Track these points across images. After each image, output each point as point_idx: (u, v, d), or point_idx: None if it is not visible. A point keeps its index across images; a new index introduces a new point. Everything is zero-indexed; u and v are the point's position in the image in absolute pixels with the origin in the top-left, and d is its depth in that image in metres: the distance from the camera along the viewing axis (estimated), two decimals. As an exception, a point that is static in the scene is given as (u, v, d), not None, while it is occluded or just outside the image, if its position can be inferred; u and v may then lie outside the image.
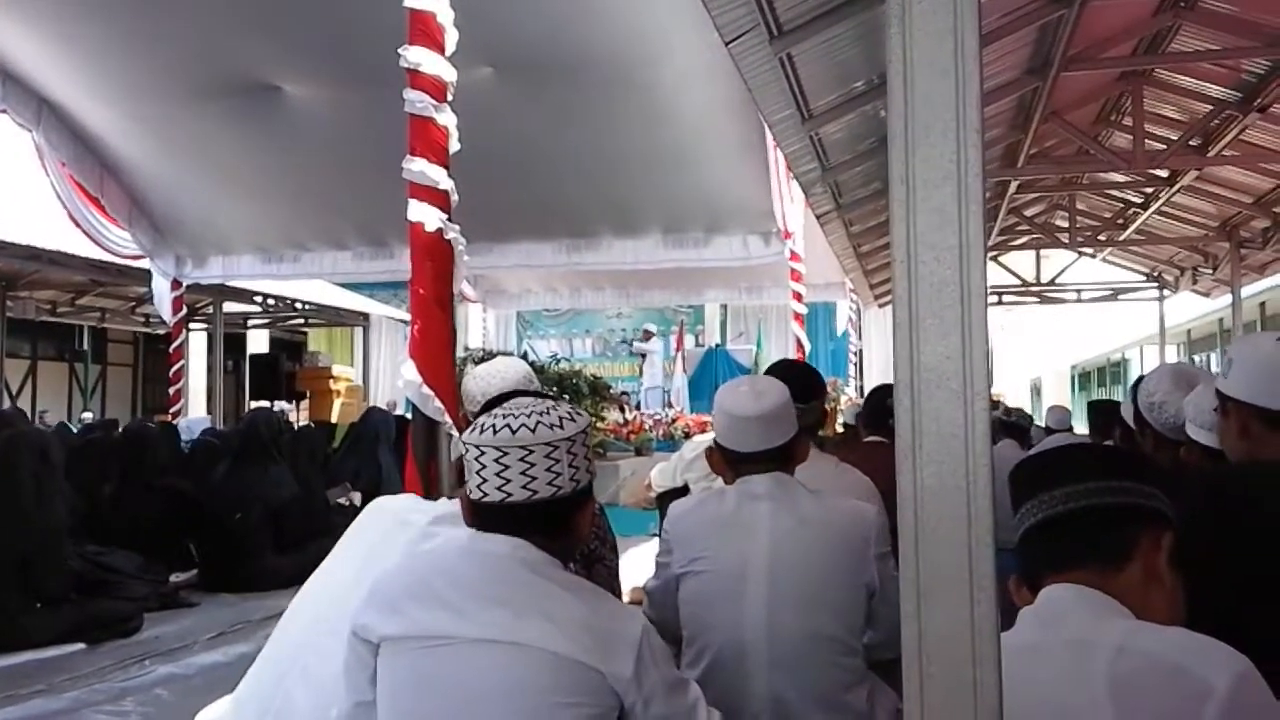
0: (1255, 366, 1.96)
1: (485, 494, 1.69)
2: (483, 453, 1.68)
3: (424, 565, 1.75)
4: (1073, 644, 1.23)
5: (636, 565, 5.95)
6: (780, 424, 2.40)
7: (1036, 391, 32.47)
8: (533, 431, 1.67)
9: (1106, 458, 1.53)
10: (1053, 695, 1.20)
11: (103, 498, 6.63)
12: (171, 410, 9.75)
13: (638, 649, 1.62)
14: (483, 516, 1.72)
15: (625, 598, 2.86)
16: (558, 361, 12.39)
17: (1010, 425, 7.13)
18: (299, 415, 14.79)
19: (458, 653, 1.61)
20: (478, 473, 1.69)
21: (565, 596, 1.65)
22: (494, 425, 1.69)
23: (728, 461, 2.46)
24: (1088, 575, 1.33)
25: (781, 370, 3.23)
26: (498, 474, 1.67)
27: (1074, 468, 1.43)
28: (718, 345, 16.68)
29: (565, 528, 1.73)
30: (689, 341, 16.74)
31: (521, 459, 1.66)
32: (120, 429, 8.39)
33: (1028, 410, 12.56)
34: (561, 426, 1.70)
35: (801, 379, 3.04)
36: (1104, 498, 1.38)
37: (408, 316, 3.66)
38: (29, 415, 15.17)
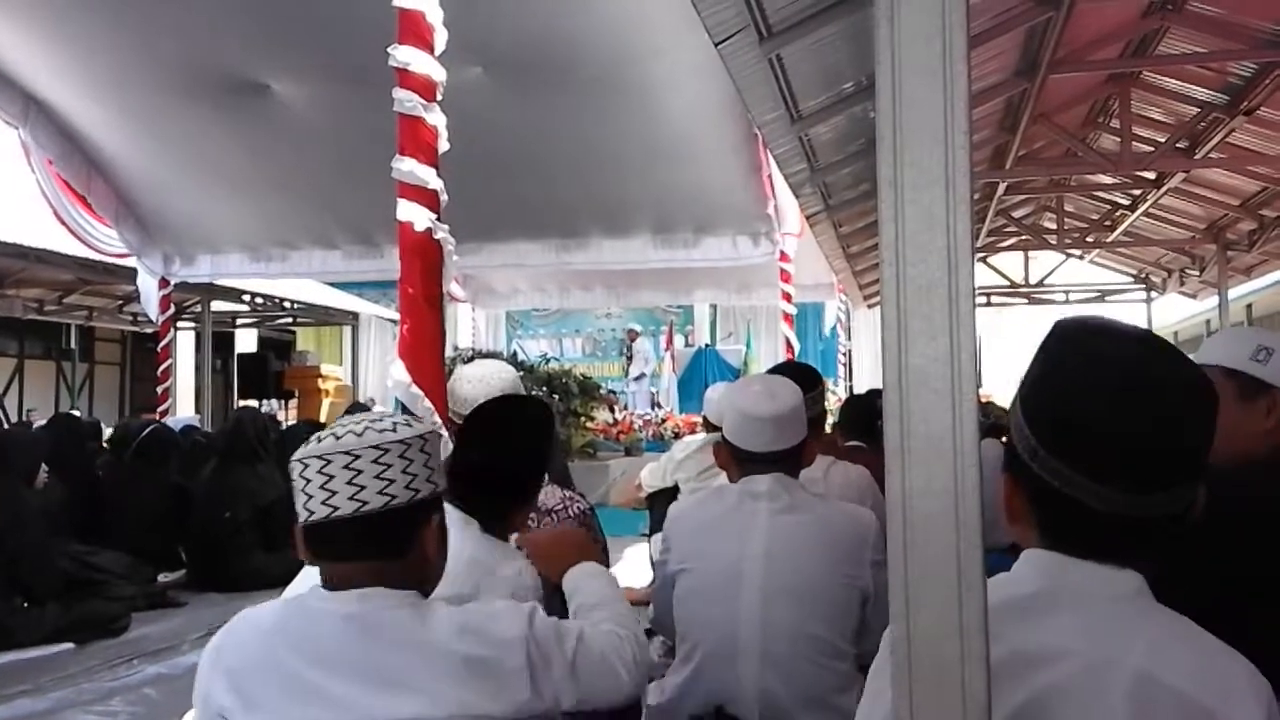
0: None
1: (312, 512, 1.51)
2: (305, 466, 1.51)
3: (277, 635, 1.54)
4: None
5: (628, 566, 5.97)
6: (791, 426, 2.41)
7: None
8: (359, 436, 1.51)
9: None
10: None
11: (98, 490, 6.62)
12: (159, 409, 9.71)
13: (526, 656, 1.54)
14: (313, 544, 1.55)
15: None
16: (547, 361, 12.40)
17: (994, 426, 7.14)
18: (287, 414, 14.75)
19: None
20: (302, 490, 1.52)
21: (432, 642, 1.50)
22: (319, 436, 1.55)
23: (735, 459, 2.46)
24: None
25: (782, 368, 3.28)
26: (322, 486, 1.49)
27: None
28: (707, 345, 16.70)
29: (408, 547, 1.55)
30: (678, 342, 16.76)
31: (346, 466, 1.49)
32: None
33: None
34: (394, 430, 1.53)
35: (804, 371, 3.09)
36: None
37: (396, 316, 3.66)
38: (14, 414, 15.13)
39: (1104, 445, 1.11)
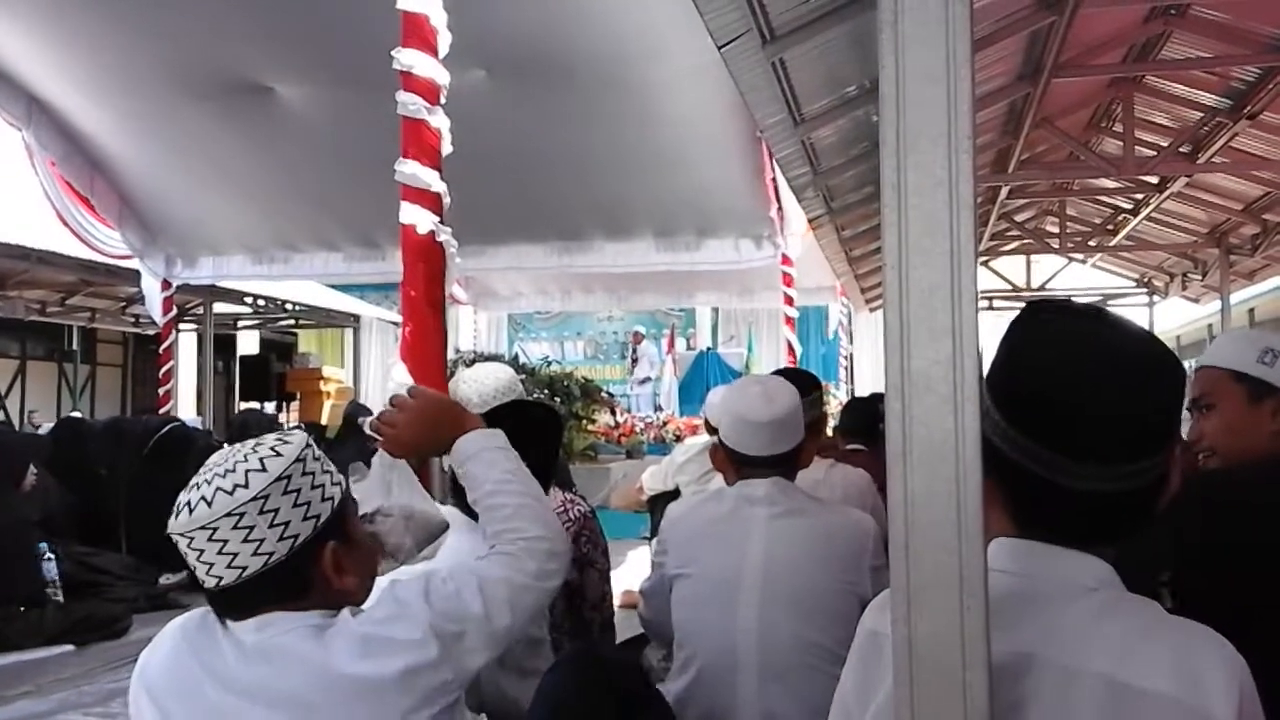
0: None
1: (204, 582, 1.47)
2: (178, 541, 1.46)
3: (192, 657, 1.51)
4: None
5: (628, 569, 5.97)
6: (788, 430, 2.40)
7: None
8: (210, 504, 1.42)
9: None
10: None
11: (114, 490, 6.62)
12: (161, 411, 9.71)
13: (438, 641, 1.49)
14: (218, 610, 1.51)
15: (616, 600, 2.87)
16: (549, 364, 12.39)
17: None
18: (289, 417, 14.75)
19: None
20: (189, 562, 1.47)
21: (334, 669, 1.44)
22: (176, 507, 1.46)
23: (732, 462, 2.45)
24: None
25: (780, 373, 3.28)
26: (199, 559, 1.44)
27: None
28: (709, 348, 16.69)
29: (309, 586, 1.49)
30: (680, 344, 16.75)
31: (210, 539, 1.42)
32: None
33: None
34: (246, 484, 1.42)
35: (802, 375, 3.09)
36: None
37: (399, 318, 3.66)
38: (16, 416, 15.14)
39: (1078, 420, 1.12)
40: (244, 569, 1.43)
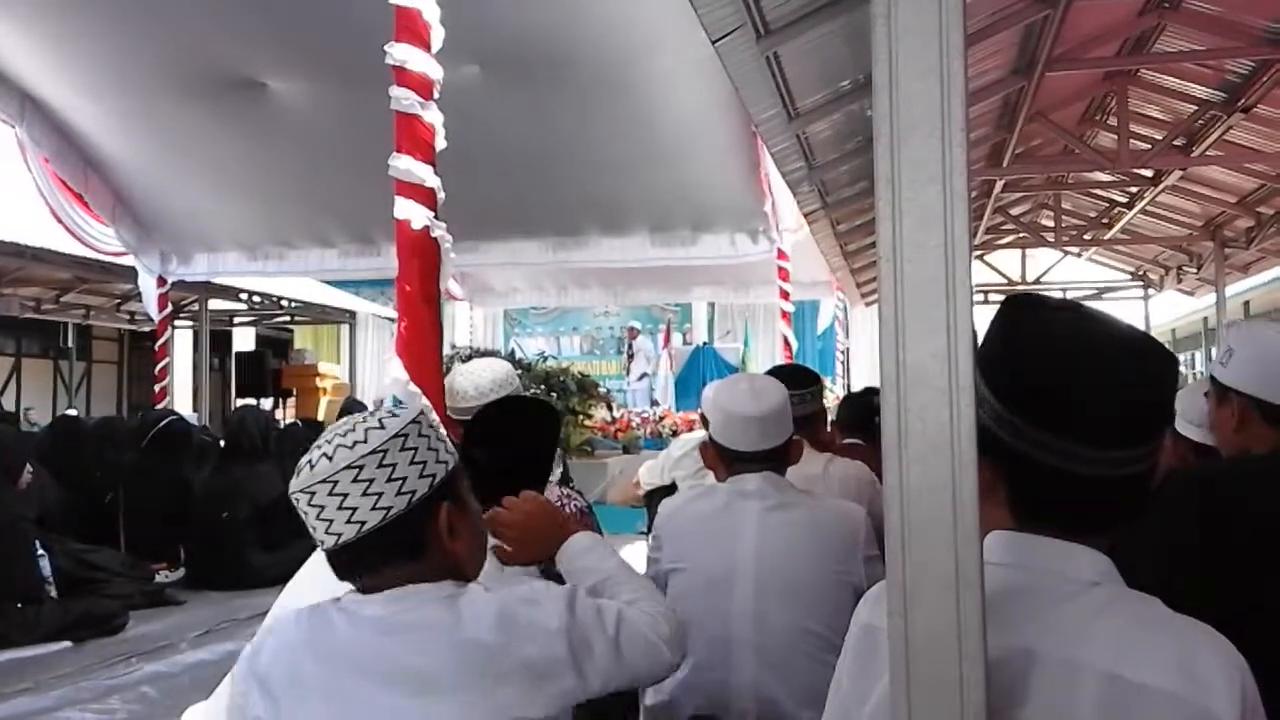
0: (1256, 357, 1.95)
1: (323, 542, 1.50)
2: (298, 500, 1.51)
3: (304, 644, 1.52)
4: None
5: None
6: (777, 425, 2.42)
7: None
8: (330, 459, 1.48)
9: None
10: None
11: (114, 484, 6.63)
12: (157, 408, 9.70)
13: (569, 644, 1.49)
14: (336, 569, 1.54)
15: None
16: (545, 359, 12.39)
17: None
18: (285, 413, 14.74)
19: None
20: (307, 523, 1.52)
21: (467, 640, 1.45)
22: (298, 467, 1.52)
23: (722, 458, 2.47)
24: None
25: (780, 368, 3.31)
26: (318, 517, 1.49)
27: None
28: (705, 343, 16.69)
29: (425, 545, 1.52)
30: (676, 340, 16.75)
31: (330, 493, 1.47)
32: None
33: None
34: (365, 440, 1.48)
35: (800, 370, 3.11)
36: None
37: (394, 314, 3.66)
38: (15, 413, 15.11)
39: (1094, 405, 1.13)
40: (363, 524, 1.47)
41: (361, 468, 1.47)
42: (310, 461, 1.50)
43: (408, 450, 1.50)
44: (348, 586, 1.59)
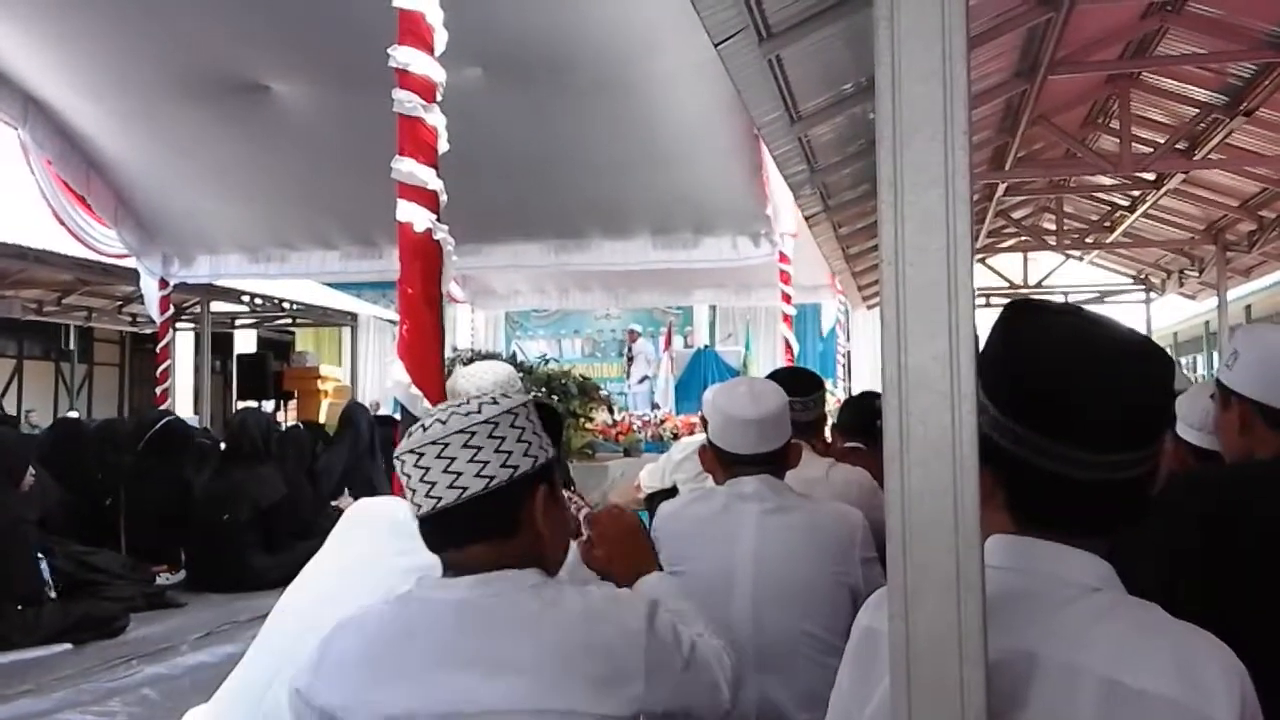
0: (1261, 362, 1.95)
1: (420, 506, 1.53)
2: (404, 463, 1.55)
3: (377, 626, 1.55)
4: None
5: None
6: (775, 428, 2.42)
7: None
8: (444, 423, 1.53)
9: None
10: None
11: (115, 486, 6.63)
12: (170, 412, 9.69)
13: (645, 651, 1.48)
14: (428, 536, 1.57)
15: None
16: (546, 362, 12.38)
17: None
18: (286, 415, 14.74)
19: None
20: (408, 487, 1.55)
21: (548, 632, 1.47)
22: (410, 431, 1.58)
23: (720, 461, 2.47)
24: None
25: (783, 371, 3.31)
26: (422, 479, 1.52)
27: None
28: (706, 346, 16.68)
29: (519, 524, 1.55)
30: (677, 342, 16.75)
31: (439, 455, 1.51)
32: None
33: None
34: (479, 411, 1.54)
35: (803, 376, 3.11)
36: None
37: (396, 316, 3.66)
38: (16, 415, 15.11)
39: (1091, 409, 1.13)
40: (465, 489, 1.50)
41: (473, 434, 1.52)
42: (423, 425, 1.56)
43: (516, 429, 1.55)
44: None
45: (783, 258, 8.42)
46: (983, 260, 13.47)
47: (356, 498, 3.92)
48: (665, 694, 1.50)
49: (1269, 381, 1.92)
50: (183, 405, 12.52)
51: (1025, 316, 1.21)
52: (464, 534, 1.54)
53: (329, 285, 13.32)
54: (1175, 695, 1.02)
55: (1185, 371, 18.63)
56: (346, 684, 1.50)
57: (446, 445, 1.51)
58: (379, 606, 1.59)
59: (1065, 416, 1.13)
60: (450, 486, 1.50)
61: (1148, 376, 1.16)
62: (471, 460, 1.51)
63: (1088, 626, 1.10)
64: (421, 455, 1.52)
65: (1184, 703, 1.02)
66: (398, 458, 1.56)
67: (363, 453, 8.62)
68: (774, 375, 3.18)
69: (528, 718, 1.42)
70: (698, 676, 1.56)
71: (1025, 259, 14.36)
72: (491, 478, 1.51)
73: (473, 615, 1.49)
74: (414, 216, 3.31)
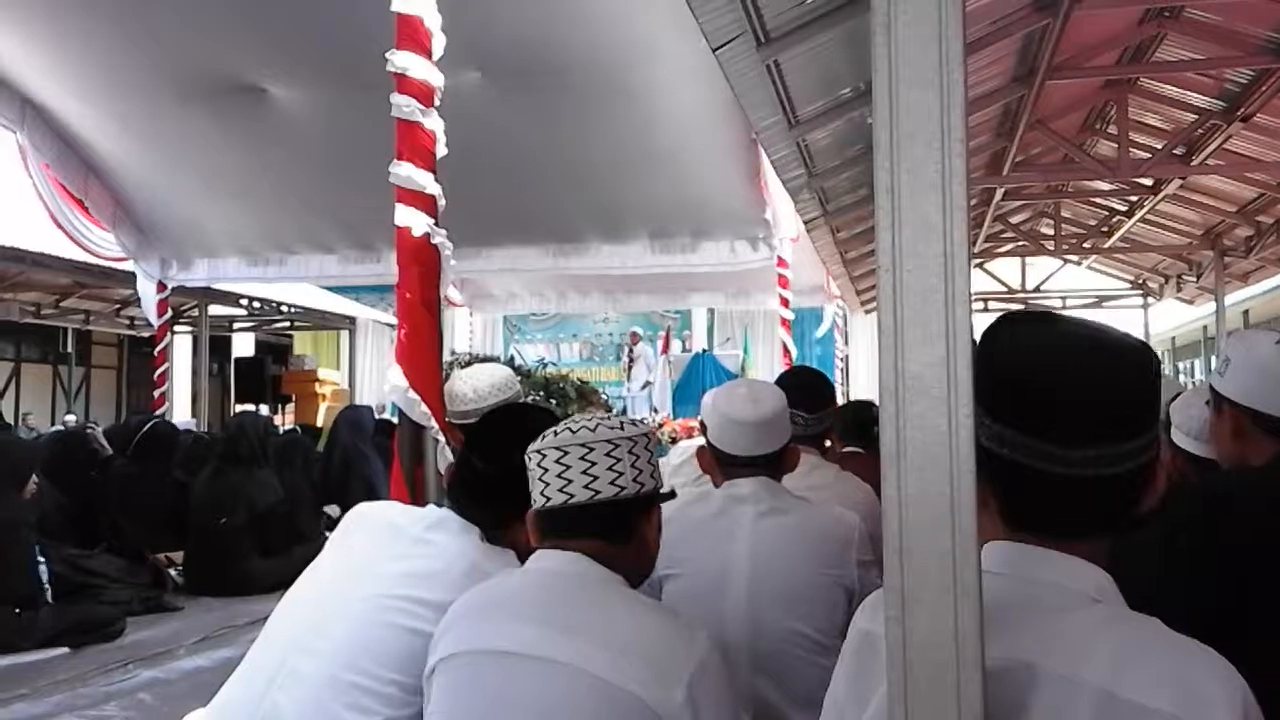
0: (1254, 369, 1.94)
1: (549, 499, 1.69)
2: (544, 456, 1.70)
3: (478, 597, 1.74)
4: None
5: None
6: (774, 431, 2.42)
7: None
8: (593, 431, 1.69)
9: None
10: None
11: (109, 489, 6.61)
12: (156, 414, 9.69)
13: (691, 675, 1.55)
14: (546, 525, 1.73)
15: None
16: (545, 366, 12.37)
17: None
18: (284, 419, 14.73)
19: (499, 665, 1.60)
20: (540, 479, 1.71)
21: (620, 617, 1.61)
22: (554, 430, 1.72)
23: (718, 463, 2.47)
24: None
25: (794, 378, 3.27)
26: (559, 475, 1.68)
27: None
28: (704, 350, 16.67)
29: (631, 534, 1.73)
30: (675, 346, 16.74)
31: (582, 457, 1.67)
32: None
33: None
34: (622, 428, 1.71)
35: (814, 389, 3.07)
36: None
37: (394, 320, 3.66)
38: (10, 419, 15.10)
39: (1057, 402, 1.14)
40: (597, 492, 1.67)
41: (617, 445, 1.69)
42: (569, 427, 1.71)
43: (647, 452, 1.74)
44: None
45: (781, 262, 8.42)
46: (980, 265, 13.49)
47: (344, 507, 3.89)
48: (700, 704, 1.57)
49: (1261, 388, 1.92)
50: (180, 408, 12.51)
51: (1006, 323, 1.23)
52: (581, 530, 1.70)
53: (327, 289, 13.31)
54: (1174, 710, 1.01)
55: (1184, 377, 18.63)
56: (457, 630, 1.69)
57: (592, 449, 1.68)
58: (504, 574, 1.80)
59: (1038, 411, 1.14)
60: (586, 487, 1.67)
61: (1117, 368, 1.16)
62: (611, 468, 1.67)
63: (1086, 638, 1.08)
64: (565, 453, 1.68)
65: (1183, 718, 1.01)
66: (538, 451, 1.71)
67: (350, 461, 8.53)
68: (781, 380, 3.14)
69: (584, 679, 1.54)
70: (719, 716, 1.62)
71: (1023, 264, 14.38)
72: (623, 488, 1.68)
73: (563, 582, 1.67)
74: (412, 221, 3.31)
